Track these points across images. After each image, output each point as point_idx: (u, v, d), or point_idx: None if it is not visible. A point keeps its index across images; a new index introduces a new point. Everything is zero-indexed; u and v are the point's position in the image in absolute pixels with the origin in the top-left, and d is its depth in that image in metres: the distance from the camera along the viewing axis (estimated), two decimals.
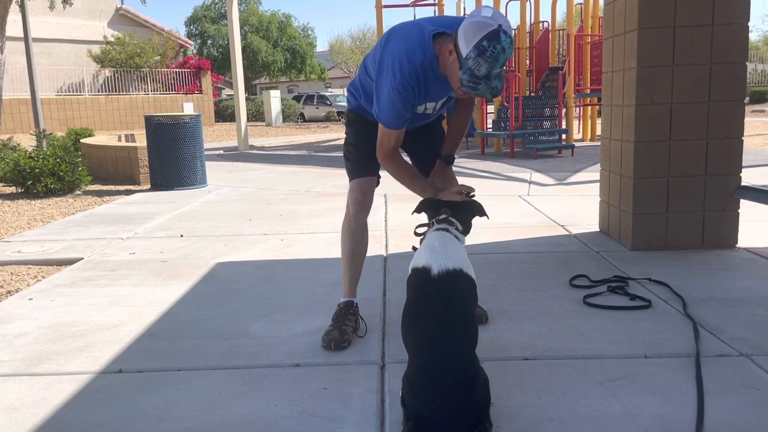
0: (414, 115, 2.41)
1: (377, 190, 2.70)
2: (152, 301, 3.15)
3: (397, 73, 2.21)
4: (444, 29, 2.23)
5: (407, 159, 2.75)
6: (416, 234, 2.34)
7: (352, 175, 2.63)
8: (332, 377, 2.24)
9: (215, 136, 18.73)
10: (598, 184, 4.72)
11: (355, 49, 44.66)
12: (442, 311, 1.88)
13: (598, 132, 12.80)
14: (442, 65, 2.21)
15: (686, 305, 2.86)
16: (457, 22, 2.27)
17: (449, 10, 25.39)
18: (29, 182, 7.06)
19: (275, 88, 33.25)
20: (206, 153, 8.36)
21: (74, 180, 7.25)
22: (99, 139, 10.68)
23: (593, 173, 7.66)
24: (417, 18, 2.41)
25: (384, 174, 2.56)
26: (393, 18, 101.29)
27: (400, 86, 2.21)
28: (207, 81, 25.03)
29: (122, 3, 25.57)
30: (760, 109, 23.83)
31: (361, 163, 2.60)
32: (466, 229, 2.25)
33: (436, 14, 12.63)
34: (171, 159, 7.25)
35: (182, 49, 27.17)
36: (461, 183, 2.64)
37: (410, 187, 2.47)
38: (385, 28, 14.70)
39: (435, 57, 2.21)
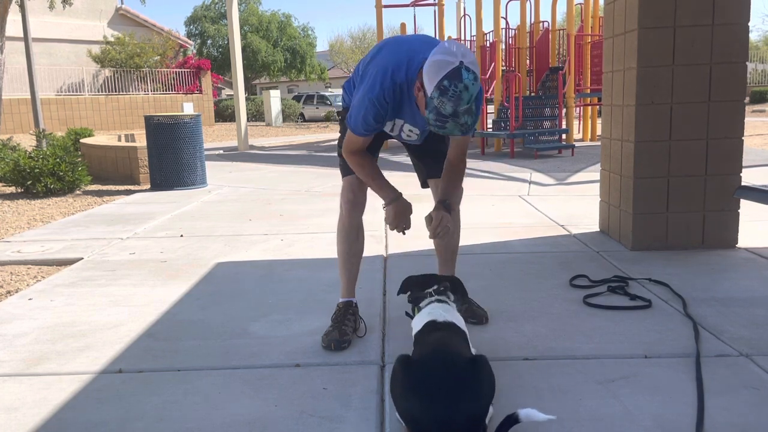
0: (394, 135, 2.45)
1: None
2: (152, 301, 3.15)
3: (377, 86, 2.25)
4: None
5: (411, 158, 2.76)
6: (409, 301, 2.40)
7: (344, 171, 2.63)
8: (332, 377, 2.24)
9: (215, 136, 18.74)
10: (598, 184, 4.72)
11: (355, 49, 44.66)
12: (446, 336, 2.01)
13: (598, 132, 12.81)
14: (417, 95, 2.24)
15: (686, 305, 2.86)
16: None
17: (449, 11, 25.39)
18: (29, 182, 7.06)
19: (275, 88, 33.23)
20: (206, 153, 8.36)
21: (74, 180, 7.25)
22: (99, 139, 10.68)
23: (593, 173, 7.65)
24: (416, 34, 2.46)
25: (386, 174, 2.56)
26: (393, 18, 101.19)
27: (376, 98, 2.26)
28: (207, 81, 25.03)
29: (122, 3, 25.59)
30: (760, 109, 23.83)
31: None
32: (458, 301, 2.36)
33: (436, 15, 12.64)
34: (171, 159, 7.25)
35: (182, 49, 27.17)
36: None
37: (370, 186, 2.53)
38: (385, 29, 14.69)
39: (414, 83, 2.23)
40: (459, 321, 2.16)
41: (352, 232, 2.63)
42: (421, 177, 2.75)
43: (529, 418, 1.69)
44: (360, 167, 2.48)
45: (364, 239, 2.70)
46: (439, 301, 2.23)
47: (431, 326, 2.09)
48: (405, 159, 8.54)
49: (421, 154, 2.69)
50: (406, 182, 2.78)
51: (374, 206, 2.74)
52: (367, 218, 2.71)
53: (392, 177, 2.59)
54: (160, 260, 3.97)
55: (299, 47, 34.40)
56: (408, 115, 2.38)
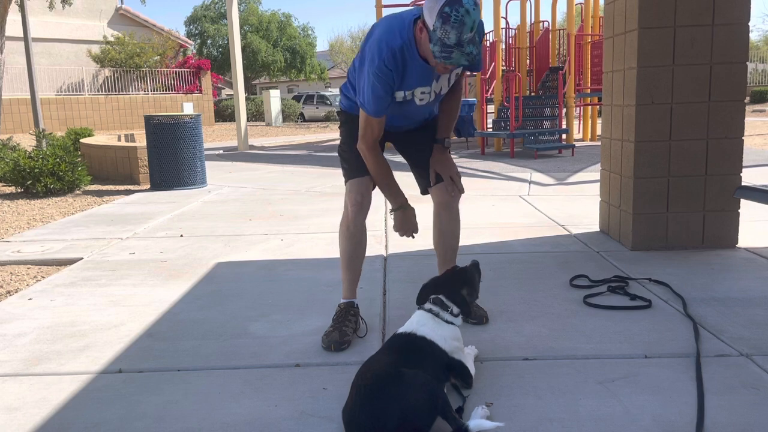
0: (401, 105, 2.44)
1: (377, 190, 2.69)
2: (152, 301, 3.15)
3: (375, 58, 2.27)
4: None
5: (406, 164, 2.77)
6: None
7: (349, 175, 2.62)
8: (332, 377, 2.24)
9: (215, 136, 18.73)
10: (598, 184, 4.72)
11: (355, 49, 44.68)
12: (390, 349, 2.05)
13: (598, 132, 12.82)
14: (419, 47, 2.26)
15: (686, 305, 2.86)
16: None
17: None
18: (29, 182, 7.05)
19: (275, 88, 33.24)
20: (206, 153, 8.36)
21: (74, 180, 7.25)
22: (99, 139, 10.68)
23: (593, 173, 7.66)
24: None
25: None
26: None
27: (378, 70, 2.27)
28: (207, 81, 25.04)
29: (122, 3, 25.58)
30: (760, 109, 23.83)
31: (358, 162, 2.59)
32: (462, 305, 2.23)
33: None
34: (171, 159, 7.25)
35: (182, 49, 27.17)
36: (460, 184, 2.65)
37: (382, 188, 2.55)
38: None
39: (413, 40, 2.26)
40: (431, 333, 2.08)
41: (357, 234, 2.63)
42: (422, 186, 2.75)
43: (479, 428, 1.70)
44: (377, 165, 2.49)
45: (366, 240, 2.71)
46: (429, 311, 2.18)
47: (392, 338, 2.13)
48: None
49: (417, 161, 2.70)
50: (407, 182, 2.79)
51: (374, 206, 2.74)
52: (367, 218, 2.70)
53: (396, 176, 2.59)
54: (160, 260, 3.97)
55: (299, 47, 34.40)
56: (415, 78, 2.36)
